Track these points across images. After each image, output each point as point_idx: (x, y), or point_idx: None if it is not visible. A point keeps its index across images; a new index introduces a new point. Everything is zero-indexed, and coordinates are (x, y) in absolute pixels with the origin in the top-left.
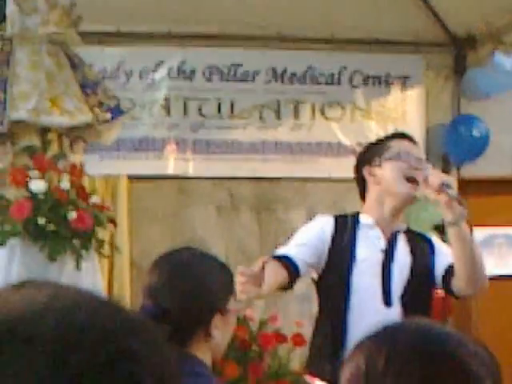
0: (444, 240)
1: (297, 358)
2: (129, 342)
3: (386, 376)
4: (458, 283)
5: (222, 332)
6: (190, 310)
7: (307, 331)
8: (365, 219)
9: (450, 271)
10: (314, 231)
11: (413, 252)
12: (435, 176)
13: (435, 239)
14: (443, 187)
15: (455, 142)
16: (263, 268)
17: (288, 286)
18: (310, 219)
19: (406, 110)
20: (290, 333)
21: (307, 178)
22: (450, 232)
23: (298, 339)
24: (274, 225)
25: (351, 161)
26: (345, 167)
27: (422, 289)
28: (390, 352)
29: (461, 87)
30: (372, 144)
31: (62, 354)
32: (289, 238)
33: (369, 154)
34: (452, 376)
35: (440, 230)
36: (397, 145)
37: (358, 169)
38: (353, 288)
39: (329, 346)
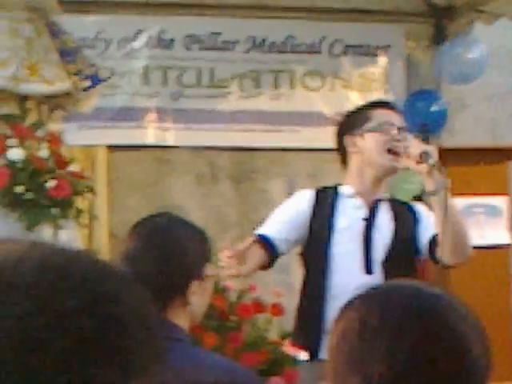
0: None
1: (275, 328)
2: (108, 285)
3: (380, 332)
4: (442, 251)
5: (199, 298)
6: (167, 275)
7: (285, 301)
8: (345, 189)
9: (434, 240)
10: (293, 206)
11: (395, 219)
12: (415, 146)
13: (421, 207)
14: (423, 156)
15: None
16: (249, 248)
17: (268, 266)
18: (290, 190)
19: (386, 79)
20: (268, 303)
21: (287, 147)
22: (432, 200)
23: (276, 309)
24: (253, 195)
25: (331, 131)
26: (325, 137)
27: (404, 256)
28: (383, 310)
29: (440, 57)
30: (353, 112)
31: (43, 298)
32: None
33: (350, 123)
34: (444, 337)
35: (420, 200)
36: (378, 114)
37: (339, 136)
38: (332, 257)
39: (310, 317)
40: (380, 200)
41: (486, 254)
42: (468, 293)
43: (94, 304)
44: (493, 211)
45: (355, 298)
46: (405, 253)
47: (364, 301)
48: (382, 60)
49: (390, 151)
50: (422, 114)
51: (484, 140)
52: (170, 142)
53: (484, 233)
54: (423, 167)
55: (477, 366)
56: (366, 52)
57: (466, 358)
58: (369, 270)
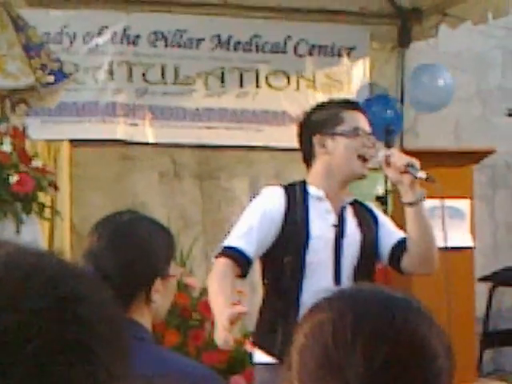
0: (385, 211)
1: (237, 327)
2: (73, 286)
3: (355, 337)
4: (411, 261)
5: (162, 296)
6: (131, 273)
7: (248, 300)
8: (314, 191)
9: (399, 248)
10: (263, 209)
11: (361, 226)
12: (399, 157)
13: (376, 210)
14: (408, 168)
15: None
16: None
17: (242, 276)
18: (253, 189)
19: (350, 80)
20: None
21: (251, 146)
22: (409, 212)
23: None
24: (216, 193)
25: (295, 130)
26: (289, 137)
27: (369, 263)
28: (356, 316)
29: (405, 60)
30: (322, 109)
31: (9, 297)
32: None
33: (320, 122)
34: (415, 344)
35: (382, 200)
36: (350, 117)
37: (306, 133)
38: (307, 265)
39: (280, 321)
40: (346, 204)
41: (449, 256)
42: (431, 295)
43: (58, 304)
44: (456, 214)
45: (323, 300)
46: (371, 260)
47: (333, 304)
48: (347, 61)
49: (359, 157)
50: (378, 119)
51: (448, 143)
52: (135, 138)
53: (447, 235)
54: (406, 178)
55: (442, 370)
56: (331, 52)
57: (434, 363)
58: (337, 279)
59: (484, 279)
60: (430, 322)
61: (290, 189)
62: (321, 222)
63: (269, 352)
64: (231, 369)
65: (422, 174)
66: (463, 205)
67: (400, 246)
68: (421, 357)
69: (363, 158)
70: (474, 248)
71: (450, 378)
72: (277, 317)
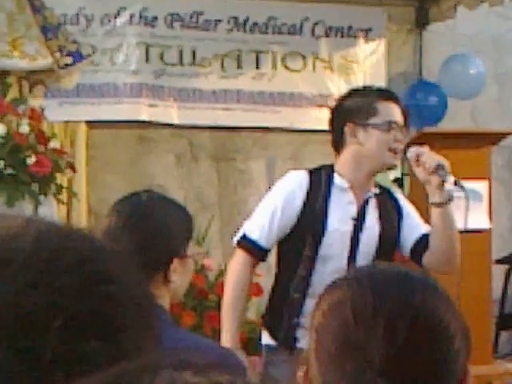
0: (401, 193)
1: (254, 308)
2: (103, 264)
3: (376, 318)
4: (432, 258)
5: (180, 276)
6: (149, 253)
7: (264, 282)
8: (339, 181)
9: (422, 244)
10: (285, 196)
11: (382, 219)
12: (430, 157)
13: (403, 200)
14: (438, 170)
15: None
16: None
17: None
18: (270, 171)
19: (367, 62)
20: None
21: (268, 128)
22: (435, 212)
23: (255, 289)
24: (232, 175)
25: (312, 112)
26: (306, 118)
27: (386, 256)
28: (376, 296)
29: (423, 42)
30: (357, 96)
31: (39, 275)
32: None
33: (353, 110)
34: (433, 324)
35: (398, 182)
36: (384, 109)
37: (339, 121)
38: (319, 258)
39: (286, 309)
40: (370, 197)
41: (466, 238)
42: (448, 277)
43: (89, 283)
44: (474, 196)
45: (340, 280)
46: (388, 254)
47: (352, 283)
48: (364, 42)
49: (390, 150)
50: (422, 106)
51: (465, 124)
52: (154, 119)
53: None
54: (435, 179)
55: (460, 351)
56: (348, 34)
57: (452, 343)
58: None
59: (501, 261)
60: (448, 302)
61: (314, 175)
62: (341, 213)
63: (273, 335)
64: (247, 349)
65: (450, 179)
66: (481, 187)
67: (423, 242)
68: (439, 337)
69: (394, 151)
70: (492, 230)
71: (466, 359)
72: (283, 304)
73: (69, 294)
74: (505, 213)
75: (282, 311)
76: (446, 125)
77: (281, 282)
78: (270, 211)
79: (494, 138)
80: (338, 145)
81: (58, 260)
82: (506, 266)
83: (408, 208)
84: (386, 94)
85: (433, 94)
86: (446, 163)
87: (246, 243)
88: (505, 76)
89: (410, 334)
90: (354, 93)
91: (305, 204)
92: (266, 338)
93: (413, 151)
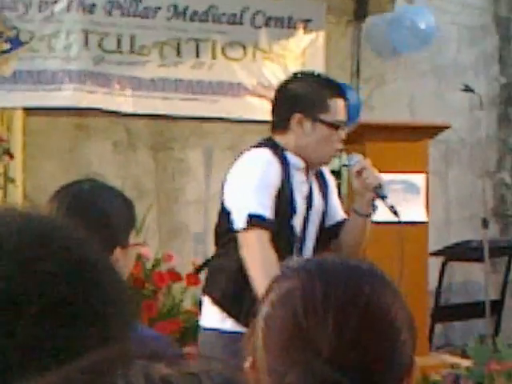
0: (339, 185)
1: (190, 297)
2: (86, 252)
3: (326, 308)
4: (339, 245)
5: (122, 266)
6: None
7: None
8: (294, 160)
9: (340, 227)
10: (267, 173)
11: (324, 196)
12: (372, 175)
13: (328, 175)
14: (377, 189)
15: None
16: None
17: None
18: (207, 160)
19: (306, 53)
20: (184, 272)
21: (206, 117)
22: (354, 218)
23: (191, 278)
24: (170, 163)
25: (251, 102)
26: (244, 108)
27: (326, 231)
28: (326, 286)
29: (362, 35)
30: (309, 85)
31: (26, 261)
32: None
33: (304, 100)
34: (382, 315)
35: (336, 174)
36: (335, 107)
37: (285, 104)
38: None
39: (249, 290)
40: (314, 174)
41: (403, 230)
42: (385, 268)
43: (75, 269)
44: (411, 188)
45: (288, 270)
46: (324, 229)
47: (301, 273)
48: (303, 33)
49: (332, 149)
50: None
51: (402, 117)
52: (90, 105)
53: (402, 209)
54: (369, 195)
55: (406, 342)
56: (287, 25)
57: (400, 334)
58: (301, 250)
59: (436, 254)
60: (395, 293)
61: (277, 154)
62: (298, 194)
63: (233, 316)
64: (184, 339)
65: (388, 202)
66: (418, 179)
67: (340, 226)
68: (387, 327)
69: (335, 150)
70: (428, 223)
71: (412, 350)
72: (246, 284)
73: (54, 279)
74: (440, 206)
75: (242, 291)
76: (384, 117)
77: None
78: (261, 188)
79: (432, 131)
80: (280, 127)
81: (43, 247)
82: (442, 259)
83: (332, 184)
84: (337, 90)
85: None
86: (385, 182)
87: (257, 220)
88: (442, 69)
89: (359, 324)
90: (304, 79)
91: (282, 183)
92: (224, 323)
93: (356, 162)
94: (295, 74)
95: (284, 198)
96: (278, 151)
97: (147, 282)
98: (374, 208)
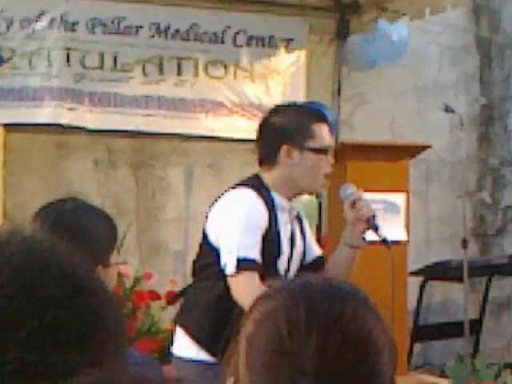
0: (319, 204)
1: (169, 316)
2: (86, 277)
3: (310, 327)
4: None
5: None
6: None
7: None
8: (279, 200)
9: (318, 263)
10: (254, 215)
11: (303, 236)
12: (366, 207)
13: (303, 217)
14: (371, 221)
15: None
16: None
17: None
18: (188, 178)
19: (288, 72)
20: (163, 290)
21: (187, 135)
22: (345, 249)
23: (171, 297)
24: (150, 181)
25: (232, 121)
26: (226, 126)
27: (301, 270)
28: (310, 305)
29: (344, 53)
30: (291, 115)
31: (29, 283)
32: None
33: (289, 130)
34: (364, 337)
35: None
36: (320, 133)
37: (271, 138)
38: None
39: (230, 323)
40: (296, 214)
41: (383, 249)
42: (364, 288)
43: (73, 295)
44: (391, 208)
45: (272, 289)
46: (305, 268)
47: (284, 292)
48: (285, 53)
49: (322, 175)
50: None
51: (383, 137)
52: (72, 123)
53: (383, 228)
54: (362, 226)
55: (387, 365)
56: (269, 44)
57: (381, 356)
58: None
59: (415, 273)
60: (376, 314)
61: (262, 195)
62: (284, 235)
63: (212, 352)
64: (163, 358)
65: (380, 234)
66: (399, 199)
67: (319, 262)
68: (369, 350)
69: (325, 176)
70: (408, 242)
71: (393, 371)
72: (228, 317)
73: (53, 303)
74: (420, 225)
75: (223, 324)
76: (365, 137)
77: (226, 298)
78: (248, 230)
79: (413, 150)
80: (267, 161)
81: (43, 272)
82: (421, 278)
83: (306, 225)
84: (319, 116)
85: None
86: (376, 214)
87: (247, 264)
88: (424, 89)
89: (342, 343)
90: (285, 110)
91: (269, 225)
92: (199, 354)
93: (350, 193)
94: (275, 107)
95: (271, 239)
96: (263, 191)
97: (127, 300)
98: (364, 240)
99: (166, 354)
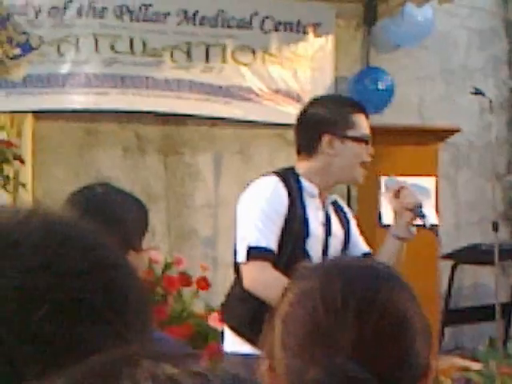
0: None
1: (200, 301)
2: (108, 253)
3: (346, 306)
4: None
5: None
6: None
7: (211, 275)
8: (308, 186)
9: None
10: (272, 202)
11: (342, 224)
12: (411, 195)
13: (348, 211)
14: (416, 209)
15: (361, 95)
16: None
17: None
18: (217, 165)
19: (315, 57)
20: (194, 276)
21: (216, 120)
22: (393, 241)
23: (202, 283)
24: (179, 168)
25: (260, 106)
26: (254, 112)
27: None
28: (345, 285)
29: (371, 37)
30: (331, 106)
31: (49, 257)
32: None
33: (330, 120)
34: (399, 316)
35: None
36: (358, 122)
37: (312, 128)
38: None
39: (267, 314)
40: (330, 202)
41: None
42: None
43: (95, 269)
44: (422, 192)
45: (306, 270)
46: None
47: (319, 272)
48: (312, 38)
49: (362, 164)
50: (371, 91)
51: (412, 121)
52: (102, 107)
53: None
54: (408, 215)
55: (421, 343)
56: (297, 29)
57: (414, 335)
58: None
59: (446, 257)
60: (411, 296)
61: (287, 181)
62: (315, 219)
63: (251, 341)
64: (194, 343)
65: (428, 220)
66: (429, 183)
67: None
68: (405, 326)
69: (365, 166)
70: (439, 226)
71: (429, 353)
72: (265, 306)
73: (76, 277)
74: (450, 209)
75: (261, 315)
76: (393, 120)
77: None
78: (264, 217)
79: (442, 134)
80: (307, 151)
81: (66, 245)
82: (451, 262)
83: (352, 220)
84: (358, 106)
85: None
86: (422, 202)
87: (258, 252)
88: (452, 73)
89: (379, 321)
90: (324, 101)
91: (289, 209)
92: (243, 347)
93: (394, 182)
94: (313, 99)
95: (297, 220)
96: (290, 177)
97: (157, 286)
98: (412, 234)
99: (197, 340)
